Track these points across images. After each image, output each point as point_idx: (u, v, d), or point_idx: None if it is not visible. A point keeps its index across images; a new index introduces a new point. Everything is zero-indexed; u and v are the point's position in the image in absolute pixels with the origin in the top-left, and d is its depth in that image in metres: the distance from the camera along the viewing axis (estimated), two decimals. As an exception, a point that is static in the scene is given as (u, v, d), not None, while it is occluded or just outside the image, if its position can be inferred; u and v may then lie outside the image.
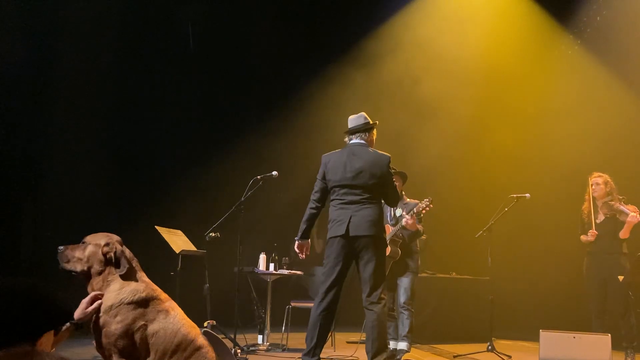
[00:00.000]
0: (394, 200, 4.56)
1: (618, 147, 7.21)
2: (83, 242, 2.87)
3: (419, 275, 5.47)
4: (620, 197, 5.61)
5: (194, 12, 8.09)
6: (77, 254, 2.83)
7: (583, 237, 5.76)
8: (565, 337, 4.62)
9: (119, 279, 2.77)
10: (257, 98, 8.51)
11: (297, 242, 4.52)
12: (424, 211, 5.16)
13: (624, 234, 5.51)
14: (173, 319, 2.78)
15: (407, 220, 5.11)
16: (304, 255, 4.56)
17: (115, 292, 2.73)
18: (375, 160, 4.35)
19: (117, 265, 2.79)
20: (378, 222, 4.29)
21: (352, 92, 8.13)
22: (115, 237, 2.92)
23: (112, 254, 2.80)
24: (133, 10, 7.56)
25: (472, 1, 8.47)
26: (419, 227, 5.26)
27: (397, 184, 5.33)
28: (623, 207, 5.49)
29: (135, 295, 2.74)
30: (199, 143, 8.07)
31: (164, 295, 2.86)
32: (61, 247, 2.86)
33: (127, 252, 2.87)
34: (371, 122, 4.54)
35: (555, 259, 7.63)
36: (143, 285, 2.80)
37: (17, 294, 1.92)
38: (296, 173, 7.83)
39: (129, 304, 2.71)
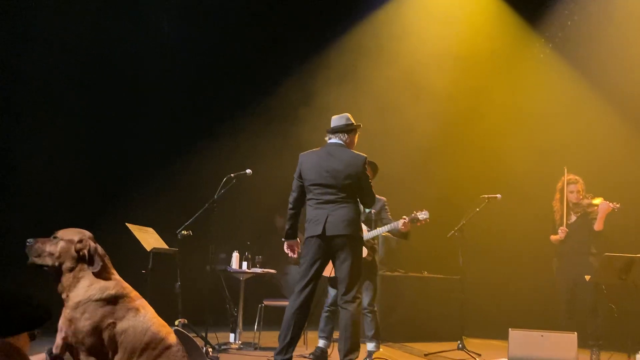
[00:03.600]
0: (370, 201, 4.57)
1: (588, 150, 7.35)
2: (55, 237, 2.80)
3: (392, 274, 5.52)
4: (588, 195, 5.77)
5: (169, 4, 8.00)
6: (49, 248, 2.76)
7: (553, 237, 5.86)
8: (534, 336, 4.71)
9: (90, 276, 2.72)
10: (232, 95, 8.43)
11: (285, 243, 4.56)
12: (419, 224, 5.17)
13: (598, 225, 5.61)
14: (143, 318, 2.74)
15: (405, 223, 5.11)
16: (295, 255, 4.60)
17: (84, 288, 2.69)
18: (350, 160, 4.36)
19: (90, 262, 2.74)
20: (354, 222, 4.31)
21: (330, 90, 8.13)
22: (88, 234, 2.86)
23: (85, 251, 2.75)
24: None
25: (443, 3, 8.54)
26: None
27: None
28: (592, 201, 5.65)
29: (104, 292, 2.70)
30: (171, 140, 7.98)
31: (134, 293, 2.83)
32: (30, 240, 2.79)
33: (100, 249, 2.82)
34: (354, 124, 4.55)
35: (525, 259, 7.75)
36: (113, 282, 2.76)
37: None
38: (271, 171, 7.80)
39: (97, 300, 2.67)
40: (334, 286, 5.09)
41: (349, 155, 4.39)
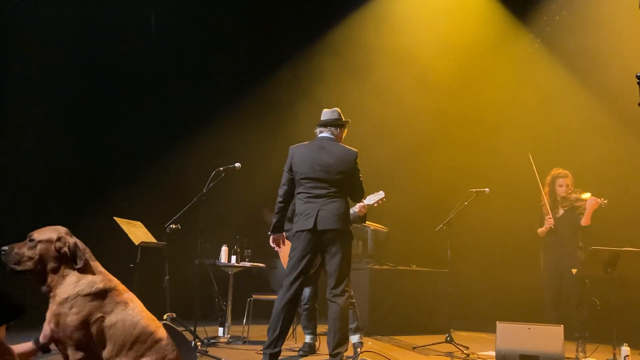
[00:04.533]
0: (358, 196, 4.58)
1: (576, 144, 7.40)
2: (31, 240, 2.71)
3: (380, 267, 5.52)
4: (577, 190, 5.82)
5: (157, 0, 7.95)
6: (27, 252, 2.66)
7: (540, 230, 5.91)
8: (521, 329, 4.75)
9: (75, 272, 2.69)
10: (220, 88, 8.40)
11: (271, 237, 4.56)
12: (376, 204, 5.12)
13: (585, 220, 5.66)
14: (132, 311, 2.72)
15: (361, 209, 5.05)
16: (279, 248, 4.60)
17: (72, 284, 2.66)
18: (343, 155, 4.38)
19: (73, 259, 2.69)
20: (344, 216, 4.33)
21: (320, 82, 8.12)
22: (64, 229, 2.78)
23: (66, 249, 2.69)
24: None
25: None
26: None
27: None
28: (580, 195, 5.70)
29: (92, 287, 2.67)
30: (160, 133, 7.94)
31: (122, 287, 2.80)
32: (5, 248, 2.67)
33: (80, 243, 2.75)
34: (343, 120, 4.57)
35: (513, 252, 7.81)
36: (100, 276, 2.74)
37: None
38: (260, 165, 7.79)
39: (85, 295, 2.64)
40: (309, 284, 5.13)
41: (341, 150, 4.40)
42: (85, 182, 7.32)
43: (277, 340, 4.20)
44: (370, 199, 5.10)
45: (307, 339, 5.35)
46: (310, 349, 5.26)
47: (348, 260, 4.36)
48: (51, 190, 6.89)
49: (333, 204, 4.29)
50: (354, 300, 5.32)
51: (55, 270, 2.67)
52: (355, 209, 5.12)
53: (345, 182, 4.36)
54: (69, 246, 2.69)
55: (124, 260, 5.43)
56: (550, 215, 5.80)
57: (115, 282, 2.78)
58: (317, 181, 4.32)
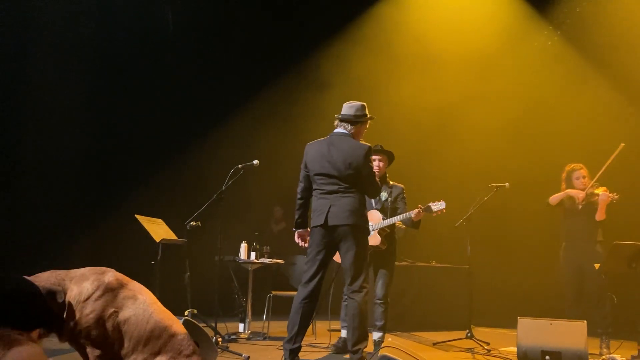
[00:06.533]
0: (372, 191, 4.52)
1: (596, 138, 7.30)
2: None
3: (399, 263, 5.51)
4: (595, 184, 5.75)
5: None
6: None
7: (574, 192, 5.78)
8: (543, 324, 4.69)
9: (75, 282, 2.67)
10: (239, 86, 8.42)
11: (295, 233, 4.59)
12: (434, 214, 5.14)
13: (599, 215, 5.62)
14: (143, 304, 2.70)
15: (419, 213, 5.12)
16: (305, 243, 4.60)
17: (76, 291, 2.64)
18: (351, 151, 4.32)
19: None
20: (357, 211, 4.29)
21: (338, 79, 8.10)
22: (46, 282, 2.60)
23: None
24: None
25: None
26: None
27: (382, 163, 5.36)
28: (594, 190, 5.65)
29: (98, 285, 2.65)
30: (180, 131, 7.99)
31: (124, 278, 2.77)
32: None
33: (43, 282, 2.58)
34: (366, 115, 4.46)
35: (533, 247, 7.73)
36: (93, 275, 2.69)
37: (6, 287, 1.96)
38: (278, 162, 7.81)
39: (91, 295, 2.62)
40: None
41: (349, 145, 4.35)
42: (106, 181, 7.39)
43: (297, 335, 4.21)
44: (432, 207, 5.10)
45: (343, 333, 5.33)
46: (344, 346, 5.12)
47: (362, 256, 4.31)
48: (72, 189, 6.97)
49: (345, 199, 4.27)
50: (388, 301, 5.31)
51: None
52: (411, 213, 5.12)
53: (356, 177, 4.30)
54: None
55: (145, 258, 5.49)
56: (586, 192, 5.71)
57: (110, 271, 2.74)
58: (328, 177, 4.31)
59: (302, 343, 4.28)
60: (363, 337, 4.25)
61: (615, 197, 5.50)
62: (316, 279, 4.28)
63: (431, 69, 8.21)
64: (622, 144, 5.60)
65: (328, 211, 4.25)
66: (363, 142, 4.42)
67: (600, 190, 5.63)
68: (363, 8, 8.69)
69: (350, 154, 4.30)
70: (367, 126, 4.54)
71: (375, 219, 5.23)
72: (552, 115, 8.01)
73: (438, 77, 8.17)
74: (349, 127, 4.43)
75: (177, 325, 2.79)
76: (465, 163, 8.35)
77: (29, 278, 2.50)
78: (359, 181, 4.34)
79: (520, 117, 8.10)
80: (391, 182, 5.47)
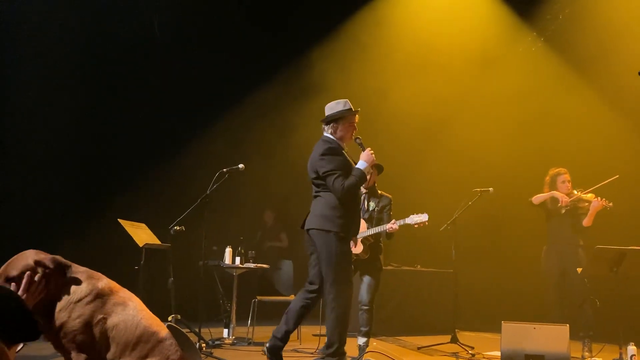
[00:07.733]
0: (333, 191, 4.23)
1: (580, 144, 7.38)
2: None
3: (385, 267, 5.49)
4: (578, 189, 5.79)
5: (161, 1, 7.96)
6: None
7: (558, 194, 5.77)
8: (526, 328, 4.73)
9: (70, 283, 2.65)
10: (225, 89, 8.39)
11: None
12: (416, 226, 5.00)
13: (587, 221, 5.65)
14: (132, 311, 2.70)
15: (391, 227, 5.06)
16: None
17: (72, 288, 2.63)
18: (314, 153, 4.34)
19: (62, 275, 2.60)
20: (323, 215, 4.23)
21: (329, 81, 8.10)
22: (30, 261, 2.56)
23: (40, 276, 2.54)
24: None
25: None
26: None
27: (368, 176, 5.33)
28: (584, 196, 5.68)
29: (91, 289, 2.64)
30: (164, 135, 7.95)
31: (115, 285, 2.75)
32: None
33: (47, 261, 2.58)
34: (339, 112, 4.33)
35: (517, 252, 7.78)
36: (89, 279, 2.68)
37: None
38: (263, 166, 7.79)
39: (82, 298, 2.61)
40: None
41: (316, 147, 4.35)
42: (89, 185, 7.33)
43: (285, 332, 4.25)
44: (412, 219, 4.98)
45: (360, 341, 5.27)
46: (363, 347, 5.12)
47: (327, 262, 4.17)
48: (55, 193, 6.90)
49: (317, 203, 4.32)
50: (373, 307, 5.27)
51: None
52: (386, 226, 5.10)
53: (321, 179, 4.26)
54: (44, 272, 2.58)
55: (128, 262, 5.44)
56: (569, 197, 5.72)
57: (104, 279, 2.71)
58: (311, 182, 4.38)
59: (287, 348, 4.27)
60: (332, 342, 4.20)
61: (610, 204, 5.51)
62: (315, 284, 4.29)
63: (414, 73, 8.22)
64: (617, 176, 5.62)
65: (307, 215, 4.35)
66: (328, 139, 4.32)
67: (591, 197, 5.64)
68: (353, 11, 8.68)
69: (313, 156, 4.34)
70: (352, 121, 4.39)
71: (362, 228, 5.22)
72: (535, 120, 8.08)
73: (422, 82, 8.18)
74: (326, 127, 4.42)
75: (165, 331, 2.79)
76: (451, 168, 8.39)
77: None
78: (323, 184, 4.27)
79: (503, 122, 8.16)
80: (380, 192, 5.46)
